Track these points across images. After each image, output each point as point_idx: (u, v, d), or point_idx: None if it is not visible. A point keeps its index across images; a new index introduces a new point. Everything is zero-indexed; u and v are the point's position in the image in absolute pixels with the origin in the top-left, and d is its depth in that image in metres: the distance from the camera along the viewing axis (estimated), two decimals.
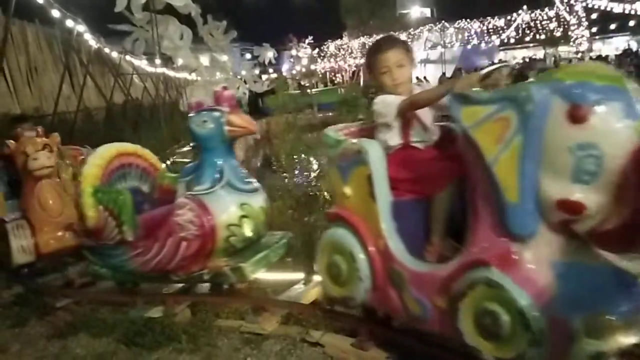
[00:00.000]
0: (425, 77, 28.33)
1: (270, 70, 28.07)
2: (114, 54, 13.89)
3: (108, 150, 3.26)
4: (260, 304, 2.94)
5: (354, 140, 2.29)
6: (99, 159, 3.17)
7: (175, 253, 2.86)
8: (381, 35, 2.52)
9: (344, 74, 31.88)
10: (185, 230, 2.82)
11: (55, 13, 8.63)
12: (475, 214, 1.84)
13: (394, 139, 2.25)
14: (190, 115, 2.98)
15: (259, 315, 2.86)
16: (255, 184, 3.06)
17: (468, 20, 29.57)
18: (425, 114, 2.25)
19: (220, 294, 3.18)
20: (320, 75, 32.08)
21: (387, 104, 2.22)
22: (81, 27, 10.22)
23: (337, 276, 2.34)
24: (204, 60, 9.44)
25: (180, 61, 8.71)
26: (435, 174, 2.10)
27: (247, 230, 2.88)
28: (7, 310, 3.47)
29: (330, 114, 11.05)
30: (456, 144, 2.07)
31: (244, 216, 2.87)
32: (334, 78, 32.49)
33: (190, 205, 2.84)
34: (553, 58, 24.97)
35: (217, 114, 2.90)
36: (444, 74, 26.32)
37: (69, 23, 9.48)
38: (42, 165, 3.63)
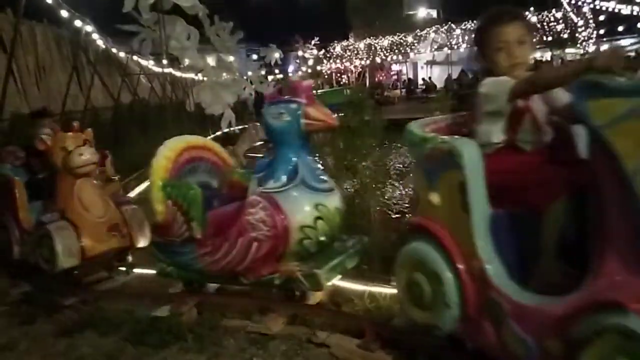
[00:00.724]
0: (430, 78, 28.42)
1: (277, 71, 28.14)
2: (122, 54, 13.99)
3: (178, 143, 3.06)
4: (266, 304, 2.94)
5: (444, 138, 1.91)
6: (168, 151, 2.98)
7: (245, 254, 2.67)
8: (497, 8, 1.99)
9: (350, 74, 31.92)
10: (256, 230, 2.63)
11: (64, 13, 8.69)
12: (604, 236, 1.49)
13: (497, 133, 1.88)
14: (266, 106, 2.77)
15: (265, 315, 2.86)
16: (331, 183, 2.81)
17: (475, 21, 29.53)
18: (539, 108, 1.90)
19: (226, 294, 3.18)
20: (326, 76, 32.13)
21: (499, 84, 1.84)
22: (89, 27, 10.29)
23: (418, 297, 1.99)
24: (211, 60, 9.46)
25: (187, 61, 8.75)
26: (546, 182, 1.73)
27: (322, 233, 2.65)
28: (15, 308, 3.49)
29: (335, 115, 11.07)
30: (573, 146, 1.78)
31: (318, 217, 2.62)
32: (340, 79, 32.54)
33: (262, 204, 2.64)
34: (560, 60, 24.87)
35: (294, 105, 2.66)
36: (450, 75, 26.30)
37: (77, 23, 9.55)
38: (88, 161, 3.40)
